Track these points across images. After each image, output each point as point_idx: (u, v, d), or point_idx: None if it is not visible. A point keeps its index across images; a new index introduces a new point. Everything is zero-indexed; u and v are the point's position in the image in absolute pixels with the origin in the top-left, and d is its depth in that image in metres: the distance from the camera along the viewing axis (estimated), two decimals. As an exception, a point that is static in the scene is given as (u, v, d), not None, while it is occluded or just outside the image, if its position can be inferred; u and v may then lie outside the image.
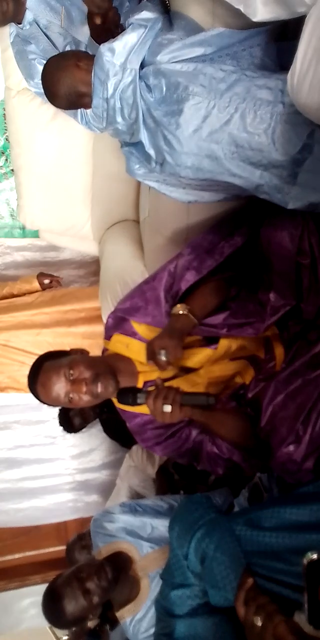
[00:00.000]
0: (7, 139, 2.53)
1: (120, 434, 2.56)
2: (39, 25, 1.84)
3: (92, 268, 2.73)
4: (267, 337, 1.55)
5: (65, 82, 1.51)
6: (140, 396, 1.38)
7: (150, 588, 1.72)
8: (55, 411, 2.63)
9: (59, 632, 2.70)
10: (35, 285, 2.47)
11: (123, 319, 1.56)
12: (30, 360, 1.62)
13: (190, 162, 1.47)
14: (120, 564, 1.73)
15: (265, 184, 1.45)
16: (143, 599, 1.72)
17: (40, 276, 2.48)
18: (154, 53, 1.48)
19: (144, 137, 1.52)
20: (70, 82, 1.51)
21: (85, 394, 1.38)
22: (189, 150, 1.45)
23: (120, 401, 1.42)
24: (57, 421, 2.62)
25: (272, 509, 1.20)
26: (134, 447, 2.44)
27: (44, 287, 2.49)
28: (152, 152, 1.52)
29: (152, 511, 1.88)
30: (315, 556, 0.92)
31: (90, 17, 1.63)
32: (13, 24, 1.88)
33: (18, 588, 2.99)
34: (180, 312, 1.43)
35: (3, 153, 2.61)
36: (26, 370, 1.49)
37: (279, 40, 1.57)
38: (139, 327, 1.53)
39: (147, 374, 1.51)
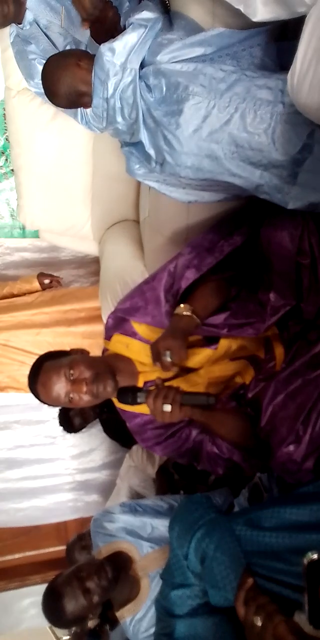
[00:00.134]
0: (7, 139, 2.53)
1: (120, 434, 2.55)
2: (39, 25, 1.84)
3: (92, 268, 2.73)
4: (267, 337, 1.55)
5: (66, 81, 1.51)
6: (140, 395, 1.38)
7: (150, 588, 1.72)
8: (55, 411, 2.63)
9: (59, 632, 2.70)
10: (36, 285, 2.47)
11: (123, 319, 1.56)
12: (30, 360, 1.63)
13: (190, 162, 1.47)
14: (120, 563, 1.73)
15: (265, 184, 1.45)
16: (143, 598, 1.72)
17: (41, 276, 2.48)
18: (154, 53, 1.48)
19: (144, 137, 1.52)
20: (71, 81, 1.51)
21: (86, 393, 1.38)
22: (189, 150, 1.45)
23: (120, 400, 1.42)
24: (57, 421, 2.62)
25: (272, 509, 1.20)
26: (134, 447, 2.44)
27: (44, 287, 2.49)
28: (152, 152, 1.53)
29: (152, 511, 1.88)
30: (315, 556, 0.92)
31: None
32: (13, 24, 1.88)
33: (18, 588, 2.99)
34: (183, 312, 1.43)
35: (3, 153, 2.61)
36: (26, 370, 1.49)
37: (279, 40, 1.57)
38: (139, 327, 1.53)
39: (147, 374, 1.51)
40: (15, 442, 2.86)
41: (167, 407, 1.33)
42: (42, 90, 1.63)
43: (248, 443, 1.51)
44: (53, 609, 1.65)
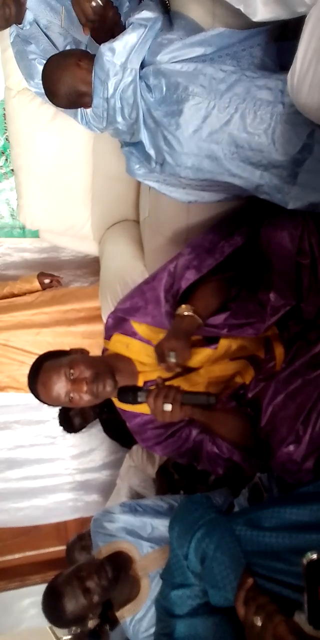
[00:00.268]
0: (7, 139, 2.53)
1: (120, 434, 2.55)
2: (39, 25, 1.84)
3: (92, 268, 2.73)
4: (267, 337, 1.55)
5: (66, 81, 1.51)
6: (140, 395, 1.38)
7: (150, 588, 1.72)
8: (55, 411, 2.63)
9: (59, 632, 2.70)
10: (36, 284, 2.47)
11: (123, 319, 1.56)
12: (30, 360, 1.63)
13: (190, 162, 1.47)
14: (120, 563, 1.73)
15: (265, 184, 1.45)
16: (143, 598, 1.72)
17: (41, 276, 2.48)
18: (154, 53, 1.48)
19: (144, 137, 1.52)
20: (71, 81, 1.51)
21: (86, 393, 1.38)
22: (189, 150, 1.45)
23: (120, 399, 1.42)
24: (57, 421, 2.62)
25: (272, 509, 1.20)
26: (134, 447, 2.44)
27: (44, 287, 2.49)
28: (152, 152, 1.53)
29: (152, 511, 1.88)
30: (315, 556, 0.92)
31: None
32: (13, 24, 1.88)
33: (18, 588, 2.99)
34: (185, 313, 1.43)
35: (3, 153, 2.61)
36: (26, 370, 1.49)
37: (279, 40, 1.57)
38: (139, 327, 1.53)
39: (147, 374, 1.51)
40: (15, 442, 2.86)
41: (168, 407, 1.33)
42: (42, 90, 1.63)
43: (248, 443, 1.51)
44: (53, 608, 1.65)
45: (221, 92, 1.40)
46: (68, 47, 1.84)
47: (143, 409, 1.46)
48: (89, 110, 1.60)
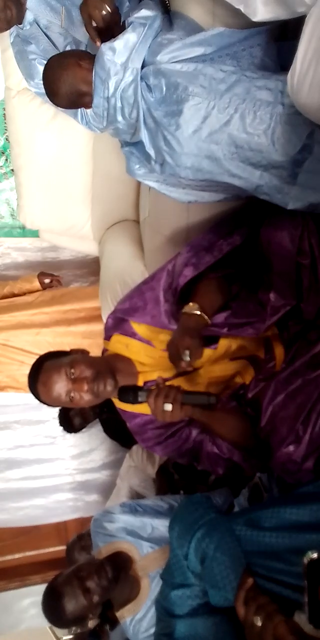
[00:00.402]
0: (7, 139, 2.53)
1: (120, 434, 2.56)
2: (39, 26, 1.84)
3: (92, 268, 2.73)
4: (267, 337, 1.55)
5: (67, 81, 1.52)
6: (141, 394, 1.38)
7: (150, 588, 1.72)
8: (55, 411, 2.63)
9: (59, 632, 2.70)
10: (36, 284, 2.47)
11: (122, 319, 1.56)
12: (30, 360, 1.63)
13: (190, 162, 1.47)
14: (120, 563, 1.73)
15: (265, 185, 1.45)
16: (143, 598, 1.72)
17: (41, 275, 2.49)
18: (154, 53, 1.48)
19: (144, 137, 1.52)
20: (72, 81, 1.51)
21: (87, 392, 1.38)
22: (189, 151, 1.45)
23: (121, 399, 1.42)
24: (57, 421, 2.62)
25: (272, 509, 1.20)
26: (134, 447, 2.44)
27: (44, 287, 2.49)
28: (152, 152, 1.53)
29: (152, 511, 1.88)
30: (315, 556, 0.92)
31: None
32: (13, 24, 1.89)
33: (18, 588, 2.99)
34: (193, 311, 1.41)
35: (3, 153, 2.61)
36: (26, 370, 1.49)
37: (279, 40, 1.57)
38: (139, 328, 1.53)
39: (146, 374, 1.51)
40: (15, 442, 2.87)
41: (168, 407, 1.33)
42: (42, 91, 1.63)
43: (248, 443, 1.51)
44: (53, 608, 1.65)
45: (221, 93, 1.40)
46: (68, 47, 1.85)
47: (143, 409, 1.46)
48: (89, 110, 1.60)
